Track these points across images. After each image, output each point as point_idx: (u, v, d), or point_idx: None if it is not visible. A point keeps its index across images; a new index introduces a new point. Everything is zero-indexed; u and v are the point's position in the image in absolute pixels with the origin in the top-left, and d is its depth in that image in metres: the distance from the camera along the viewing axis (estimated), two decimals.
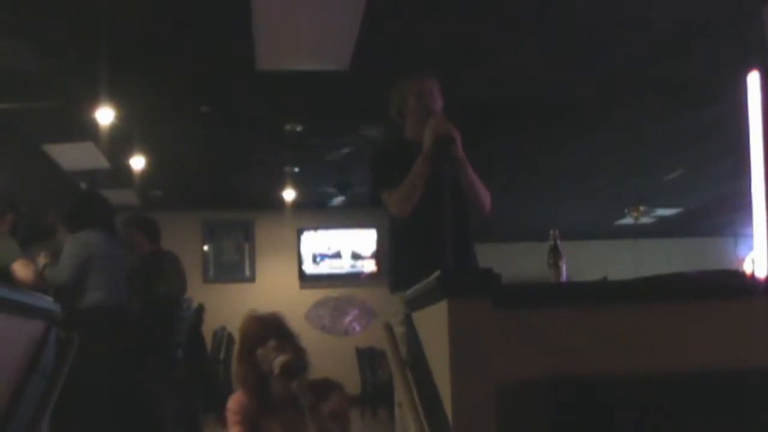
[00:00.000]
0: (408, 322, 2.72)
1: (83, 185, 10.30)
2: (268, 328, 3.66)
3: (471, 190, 3.74)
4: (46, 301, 3.10)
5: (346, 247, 13.18)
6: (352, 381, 10.73)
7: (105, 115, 6.93)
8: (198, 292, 9.90)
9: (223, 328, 11.00)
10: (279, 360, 3.50)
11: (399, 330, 3.19)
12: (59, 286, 5.49)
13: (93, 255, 5.66)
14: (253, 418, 3.62)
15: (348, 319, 13.24)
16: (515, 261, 10.12)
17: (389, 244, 4.05)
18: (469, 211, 3.79)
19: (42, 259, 5.69)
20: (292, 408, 3.62)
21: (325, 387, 3.63)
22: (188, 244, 12.23)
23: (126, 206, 10.80)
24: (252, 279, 13.14)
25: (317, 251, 13.15)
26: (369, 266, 13.13)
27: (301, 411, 3.57)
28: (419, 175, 3.64)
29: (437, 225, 3.59)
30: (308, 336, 13.49)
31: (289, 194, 11.00)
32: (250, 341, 3.66)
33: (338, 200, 12.07)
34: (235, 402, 3.68)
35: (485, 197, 3.81)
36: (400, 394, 2.85)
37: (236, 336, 10.86)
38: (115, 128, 7.33)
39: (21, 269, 5.57)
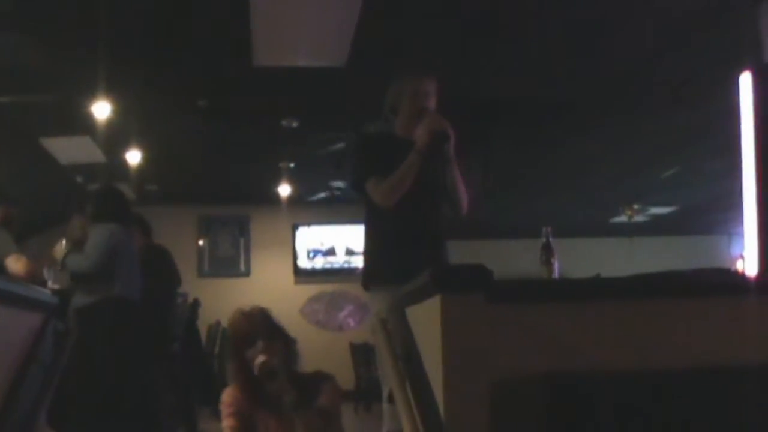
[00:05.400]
0: (401, 316, 2.74)
1: (79, 179, 10.31)
2: (255, 329, 3.66)
3: (454, 190, 3.77)
4: (44, 294, 3.13)
5: (340, 243, 13.19)
6: (346, 376, 10.75)
7: (102, 110, 6.94)
8: (193, 286, 9.91)
9: (218, 323, 11.01)
10: (257, 361, 3.51)
11: (381, 336, 3.19)
12: (82, 275, 5.50)
13: (118, 245, 5.63)
14: (246, 411, 3.64)
15: (342, 314, 13.25)
16: (509, 257, 10.11)
17: (365, 238, 4.04)
18: (444, 209, 3.83)
19: (60, 247, 5.67)
20: (285, 401, 3.64)
21: (316, 380, 3.65)
22: (183, 238, 12.25)
23: None
24: (247, 274, 13.15)
25: (312, 246, 13.17)
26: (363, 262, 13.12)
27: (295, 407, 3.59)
28: (410, 168, 3.66)
29: (416, 222, 3.62)
30: (303, 331, 13.51)
31: (284, 189, 11.01)
32: (239, 341, 3.67)
33: (333, 196, 12.09)
34: (228, 395, 3.70)
35: (465, 199, 3.84)
36: (391, 388, 2.87)
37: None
38: (111, 122, 7.33)
39: (13, 263, 5.58)
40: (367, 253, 4.01)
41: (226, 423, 3.64)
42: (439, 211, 3.76)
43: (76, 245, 5.59)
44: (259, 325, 3.68)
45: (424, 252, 3.53)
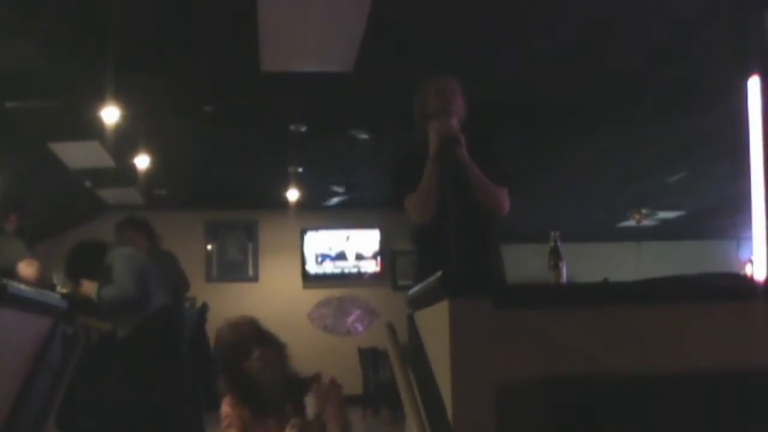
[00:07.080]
0: (410, 321, 2.75)
1: (88, 184, 10.33)
2: (248, 338, 3.67)
3: (481, 192, 3.70)
4: (54, 298, 3.13)
5: (349, 248, 13.20)
6: (354, 381, 10.75)
7: (110, 114, 6.96)
8: (201, 291, 9.92)
9: None
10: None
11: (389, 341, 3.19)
12: (125, 303, 5.46)
13: (138, 261, 5.67)
14: (248, 420, 3.64)
15: (350, 319, 13.25)
16: (516, 262, 10.08)
17: (413, 249, 4.01)
18: (486, 212, 3.74)
19: (88, 285, 5.58)
20: (286, 407, 3.64)
21: (312, 383, 3.67)
22: (192, 243, 12.27)
23: (130, 205, 10.84)
24: (255, 279, 13.16)
25: (320, 251, 13.18)
26: (371, 267, 13.16)
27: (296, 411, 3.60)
28: (430, 179, 3.63)
29: (453, 230, 3.57)
30: (311, 336, 13.42)
31: (292, 194, 11.02)
32: (232, 353, 3.67)
33: (341, 201, 12.10)
34: (229, 406, 3.69)
35: (497, 198, 3.76)
36: (402, 393, 2.87)
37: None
38: (120, 127, 7.35)
39: (25, 269, 5.59)
40: (414, 260, 3.98)
41: None
42: (478, 215, 3.69)
43: (101, 279, 5.53)
44: (251, 334, 3.69)
45: (465, 259, 3.46)
